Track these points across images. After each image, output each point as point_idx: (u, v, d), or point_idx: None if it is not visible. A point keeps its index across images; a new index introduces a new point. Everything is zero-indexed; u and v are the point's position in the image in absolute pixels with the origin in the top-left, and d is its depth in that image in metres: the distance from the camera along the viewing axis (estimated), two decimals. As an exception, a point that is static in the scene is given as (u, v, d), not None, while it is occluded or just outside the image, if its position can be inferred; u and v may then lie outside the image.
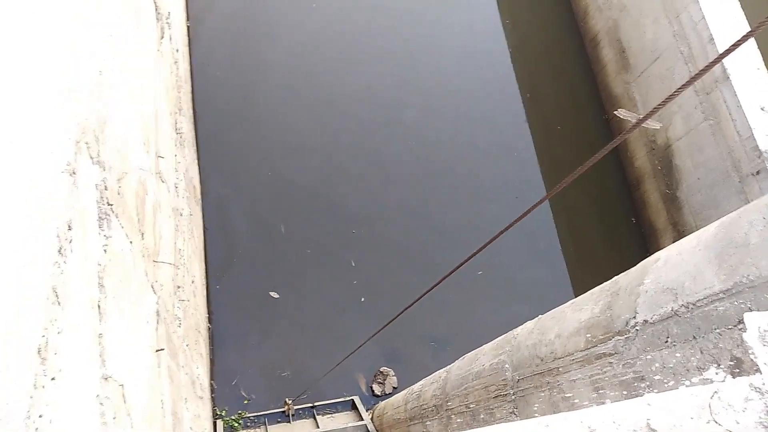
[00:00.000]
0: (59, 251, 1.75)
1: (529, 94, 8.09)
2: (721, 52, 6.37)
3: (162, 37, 3.97)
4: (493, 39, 8.46)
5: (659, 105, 2.23)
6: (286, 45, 7.78)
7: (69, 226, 1.85)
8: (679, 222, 6.98)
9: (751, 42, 6.54)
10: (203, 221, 6.46)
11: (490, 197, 7.38)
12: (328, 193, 7.05)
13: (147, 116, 3.21)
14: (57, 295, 1.71)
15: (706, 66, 2.22)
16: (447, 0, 8.62)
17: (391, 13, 8.29)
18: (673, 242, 7.18)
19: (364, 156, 7.37)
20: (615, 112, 7.40)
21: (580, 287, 6.98)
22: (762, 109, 6.28)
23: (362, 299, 6.45)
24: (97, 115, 2.21)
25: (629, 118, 7.32)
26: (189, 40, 7.39)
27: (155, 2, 3.62)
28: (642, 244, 7.48)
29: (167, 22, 4.30)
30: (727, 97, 6.33)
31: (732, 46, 2.27)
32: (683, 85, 2.21)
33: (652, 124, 7.20)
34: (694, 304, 2.56)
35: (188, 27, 7.46)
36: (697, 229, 6.89)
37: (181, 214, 4.49)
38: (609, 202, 7.66)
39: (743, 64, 6.49)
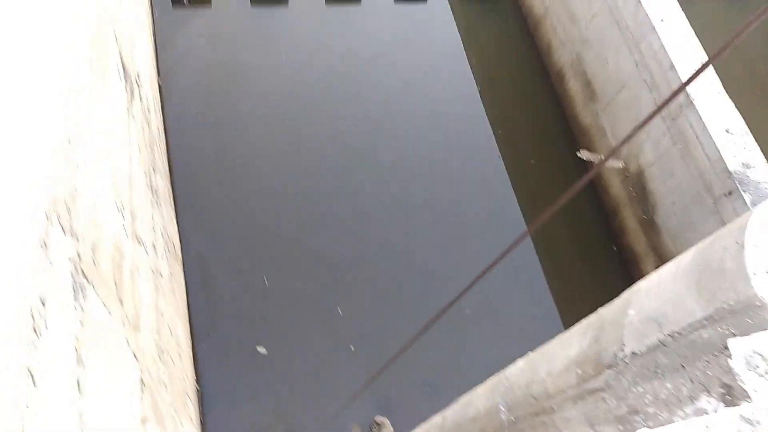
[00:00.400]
0: (33, 330, 1.71)
1: (500, 131, 8.22)
2: (681, 78, 6.57)
3: (132, 98, 3.99)
4: (461, 79, 8.64)
5: (619, 144, 2.28)
6: (259, 96, 7.86)
7: (43, 303, 1.82)
8: (658, 246, 7.05)
9: (711, 68, 6.74)
10: (184, 279, 6.38)
11: (470, 234, 7.41)
12: (309, 241, 7.03)
13: (120, 180, 3.19)
14: (32, 377, 1.67)
15: (667, 98, 2.28)
16: (414, 44, 8.81)
17: (359, 60, 8.45)
18: (655, 267, 7.27)
19: (343, 200, 7.38)
20: (578, 154, 7.54)
21: (568, 319, 6.98)
22: (727, 131, 6.44)
23: (351, 347, 6.38)
24: (68, 184, 2.19)
25: (592, 159, 7.47)
26: (161, 96, 7.43)
27: (123, 66, 3.65)
28: (625, 270, 7.53)
29: (137, 83, 4.32)
30: (693, 121, 6.48)
31: (693, 75, 2.34)
32: (643, 120, 2.26)
33: (613, 163, 7.37)
34: (679, 333, 2.56)
35: (159, 84, 7.51)
36: (677, 253, 7.00)
37: (161, 275, 4.43)
38: (588, 231, 7.73)
39: (705, 89, 6.67)
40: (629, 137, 2.29)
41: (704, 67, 2.03)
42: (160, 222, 5.00)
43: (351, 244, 7.08)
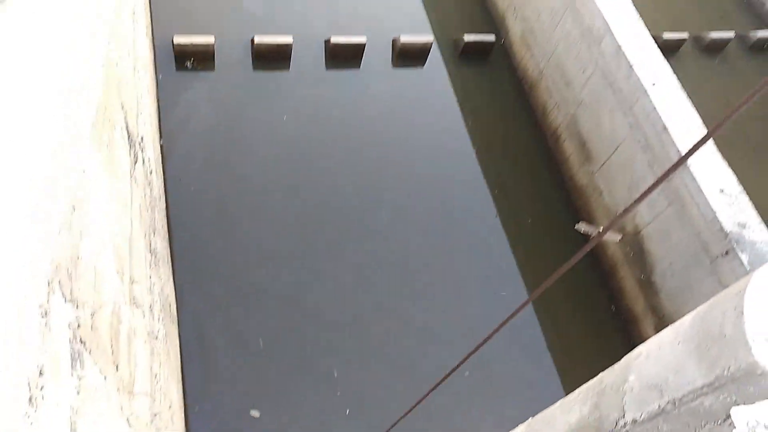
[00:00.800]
0: (30, 401, 1.70)
1: (497, 191, 8.31)
2: (674, 140, 6.65)
3: (135, 162, 4.05)
4: (458, 139, 8.79)
5: (616, 218, 2.31)
6: (258, 157, 7.97)
7: (41, 372, 1.81)
8: (657, 307, 7.02)
9: (702, 128, 6.89)
10: (179, 340, 6.31)
11: (468, 294, 7.39)
12: (306, 301, 6.99)
13: (121, 243, 3.22)
14: (26, 450, 1.64)
15: (666, 172, 2.32)
16: (411, 106, 9.01)
17: (358, 121, 8.61)
18: (654, 328, 7.20)
19: (341, 260, 7.38)
20: (575, 227, 7.65)
21: (568, 381, 6.88)
22: (722, 191, 6.51)
23: (347, 411, 6.26)
24: (71, 251, 2.21)
25: (589, 232, 7.57)
26: (162, 158, 7.53)
27: (128, 131, 3.72)
28: (624, 331, 7.48)
29: (140, 147, 4.40)
30: (687, 182, 6.57)
31: (692, 148, 2.39)
32: (641, 195, 2.31)
33: (611, 237, 7.46)
34: (680, 400, 2.54)
35: (161, 145, 7.62)
36: (675, 314, 6.96)
37: (156, 337, 4.40)
38: (586, 291, 7.71)
39: (699, 150, 6.78)
40: (626, 212, 2.32)
41: (704, 140, 2.09)
42: (157, 283, 5.00)
43: (348, 305, 7.04)
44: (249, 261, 7.13)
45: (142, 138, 4.42)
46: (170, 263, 6.59)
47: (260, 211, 7.53)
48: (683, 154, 6.60)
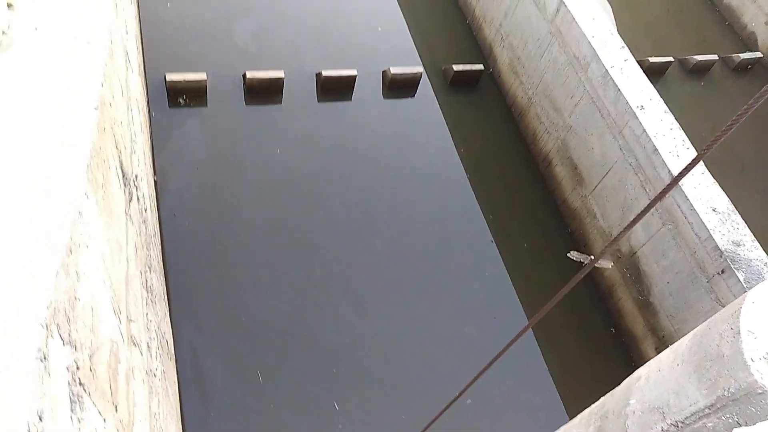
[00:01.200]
0: (29, 447, 1.68)
1: (491, 216, 8.35)
2: (665, 160, 6.72)
3: (130, 201, 4.06)
4: (451, 166, 8.86)
5: (608, 245, 2.34)
6: (252, 190, 8.00)
7: (40, 418, 1.79)
8: (656, 327, 7.02)
9: (692, 149, 6.98)
10: (177, 377, 6.25)
11: (467, 319, 7.37)
12: (304, 332, 6.96)
13: (118, 283, 3.21)
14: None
15: (659, 194, 2.35)
16: (403, 135, 9.09)
17: (351, 152, 8.67)
18: (655, 348, 7.18)
19: (337, 290, 7.37)
20: (568, 255, 7.74)
21: (570, 405, 6.84)
22: (714, 210, 6.57)
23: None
24: (68, 293, 2.21)
25: (582, 260, 7.65)
26: (156, 194, 7.55)
27: (122, 170, 3.75)
28: (625, 352, 7.46)
29: (135, 185, 4.42)
30: (680, 202, 6.63)
31: (683, 170, 2.42)
32: (634, 218, 2.33)
33: (604, 264, 7.52)
34: (682, 422, 2.53)
35: (155, 182, 7.65)
36: (675, 333, 6.94)
37: (155, 375, 4.36)
38: (585, 314, 7.71)
39: (689, 171, 6.85)
40: (617, 239, 2.35)
41: (694, 162, 2.12)
42: (154, 320, 4.97)
43: (346, 334, 7.01)
44: (245, 294, 7.11)
45: (136, 176, 4.44)
46: (166, 299, 6.56)
47: (255, 243, 7.53)
48: (675, 175, 6.67)
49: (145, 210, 5.03)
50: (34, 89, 3.13)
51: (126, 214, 3.74)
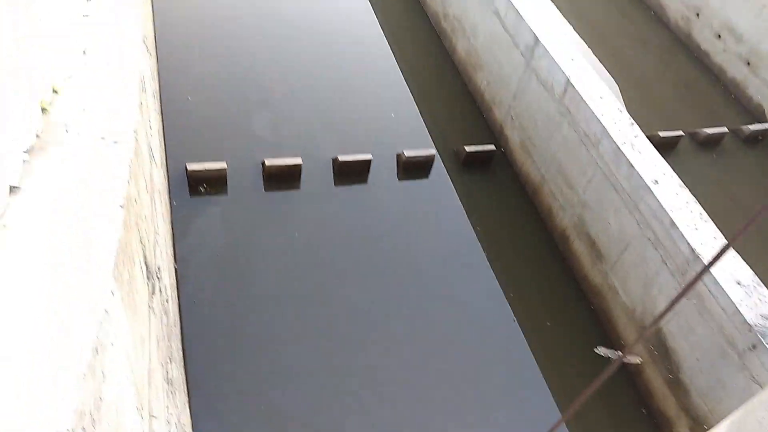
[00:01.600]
0: None
1: (512, 294, 8.27)
2: (684, 234, 6.64)
3: (153, 293, 4.10)
4: (468, 246, 8.87)
5: (636, 339, 2.31)
6: (271, 275, 8.03)
7: None
8: (689, 407, 6.76)
9: (711, 223, 6.96)
10: (197, 471, 6.08)
11: (494, 406, 7.16)
12: (325, 422, 6.78)
13: (140, 378, 3.20)
14: None
15: (688, 285, 2.34)
16: (418, 214, 9.18)
17: (368, 234, 8.74)
18: (689, 429, 6.86)
19: (358, 376, 7.23)
20: (595, 350, 7.67)
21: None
22: (738, 283, 6.47)
23: None
24: (94, 396, 2.20)
25: (609, 355, 7.59)
26: (177, 282, 7.60)
27: (146, 263, 3.80)
28: (659, 435, 7.15)
29: (158, 277, 4.47)
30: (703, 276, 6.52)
31: (713, 259, 2.40)
32: (660, 313, 2.32)
33: (632, 359, 7.41)
34: None
35: (176, 269, 7.72)
36: (710, 413, 6.66)
37: (174, 472, 4.25)
38: (614, 394, 7.46)
39: (709, 242, 6.81)
40: (647, 331, 2.33)
41: (724, 250, 2.13)
42: (174, 413, 4.89)
43: (368, 425, 6.81)
44: (265, 382, 7.00)
45: (158, 268, 4.50)
46: (186, 389, 6.47)
47: (274, 329, 7.48)
48: (695, 249, 6.60)
49: (167, 301, 5.06)
50: (65, 188, 3.24)
51: (149, 307, 3.77)
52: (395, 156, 9.78)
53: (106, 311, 2.49)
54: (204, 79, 10.44)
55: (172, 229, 8.07)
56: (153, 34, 10.11)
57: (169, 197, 8.46)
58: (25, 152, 3.53)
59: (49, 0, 5.21)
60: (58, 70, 4.35)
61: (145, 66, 5.78)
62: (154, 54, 9.45)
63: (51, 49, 4.55)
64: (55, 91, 4.27)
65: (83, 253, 2.82)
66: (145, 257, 3.68)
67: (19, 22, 3.68)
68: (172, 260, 7.50)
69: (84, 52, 4.83)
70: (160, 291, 4.58)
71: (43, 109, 4.02)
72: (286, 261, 8.20)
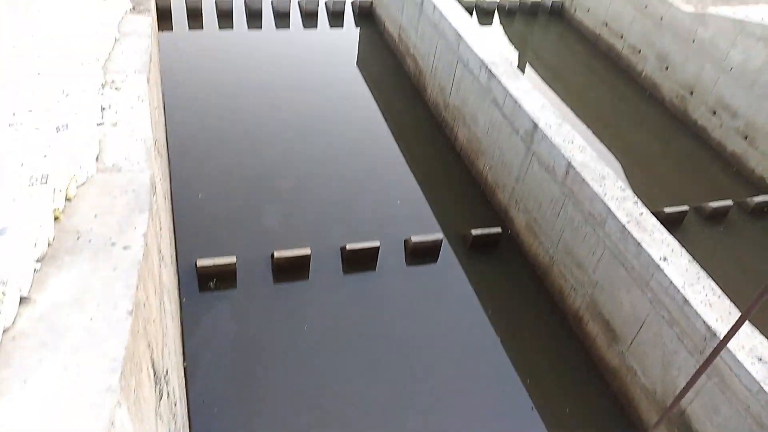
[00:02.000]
0: None
1: (528, 379, 8.08)
2: (698, 310, 6.54)
3: (161, 398, 4.05)
4: (480, 331, 8.76)
5: (659, 420, 2.26)
6: (282, 369, 7.91)
7: None
8: (723, 495, 6.42)
9: (726, 299, 6.86)
10: None
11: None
12: None
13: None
14: None
15: (707, 360, 2.31)
16: (428, 299, 9.12)
17: (378, 321, 8.66)
18: None
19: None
20: None
21: None
22: (760, 359, 6.30)
23: None
24: None
25: None
26: (186, 380, 7.49)
27: (154, 368, 3.78)
28: None
29: (165, 380, 4.43)
30: (722, 353, 6.38)
31: (729, 332, 2.39)
32: (679, 394, 2.28)
33: None
34: None
35: (185, 368, 7.63)
36: (746, 502, 6.29)
37: None
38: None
39: (724, 318, 6.70)
40: (668, 412, 2.28)
41: (739, 324, 2.12)
42: None
43: None
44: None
45: (166, 371, 4.47)
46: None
47: (285, 427, 7.29)
48: (711, 326, 6.49)
49: (175, 404, 4.98)
50: (75, 298, 3.28)
51: (156, 413, 3.72)
52: (403, 242, 9.85)
53: (113, 423, 2.46)
54: (214, 176, 10.72)
55: (182, 326, 8.05)
56: (165, 135, 10.48)
57: (179, 294, 8.48)
58: (36, 261, 3.61)
59: (64, 107, 5.48)
60: (72, 177, 4.50)
61: (156, 168, 5.97)
62: (165, 155, 9.76)
63: (66, 156, 4.74)
64: (68, 199, 4.41)
65: (91, 362, 2.82)
66: (152, 362, 3.67)
67: (42, 132, 3.86)
68: (181, 359, 7.43)
69: (97, 158, 5.02)
70: (168, 395, 4.52)
71: (56, 218, 4.14)
72: (296, 356, 8.10)
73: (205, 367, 7.79)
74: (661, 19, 14.63)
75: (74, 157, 4.78)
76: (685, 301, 6.86)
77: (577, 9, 18.06)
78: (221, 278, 8.82)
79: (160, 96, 10.54)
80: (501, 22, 18.41)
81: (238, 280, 8.88)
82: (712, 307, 6.78)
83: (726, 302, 6.90)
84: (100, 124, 5.55)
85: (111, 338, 2.94)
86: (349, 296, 9.07)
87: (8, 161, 4.53)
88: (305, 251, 9.17)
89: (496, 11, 18.58)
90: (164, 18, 14.87)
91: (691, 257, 7.39)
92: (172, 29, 15.09)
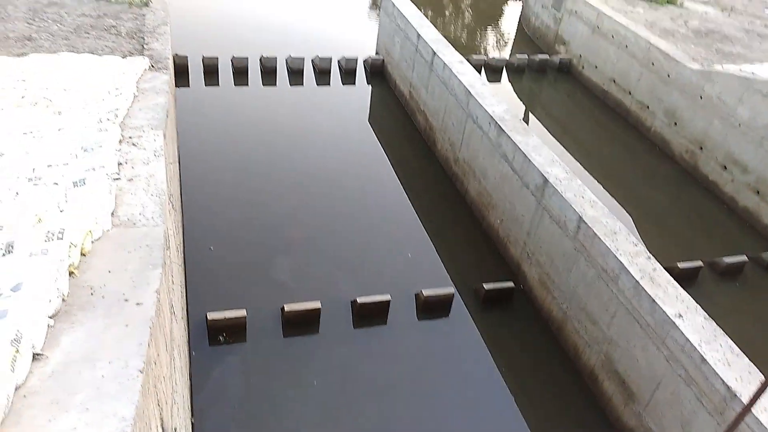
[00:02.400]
0: None
1: (543, 439, 7.88)
2: (716, 370, 6.42)
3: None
4: (494, 386, 8.60)
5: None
6: (290, 423, 7.76)
7: None
8: None
9: (742, 355, 6.72)
10: None
11: None
12: None
13: None
14: None
15: (731, 425, 2.25)
16: (440, 354, 8.99)
17: (389, 376, 8.53)
18: None
19: None
20: None
21: None
22: (783, 422, 6.11)
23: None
24: None
25: None
26: (194, 437, 7.37)
27: (163, 428, 3.73)
28: None
29: (174, 438, 4.35)
30: (747, 420, 6.19)
31: (753, 397, 2.33)
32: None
33: None
34: None
35: (192, 423, 7.50)
36: None
37: None
38: None
39: (744, 377, 6.54)
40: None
41: (762, 389, 2.07)
42: None
43: None
44: None
45: (175, 429, 4.40)
46: None
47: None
48: (732, 387, 6.33)
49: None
50: (87, 356, 3.27)
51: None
52: (414, 295, 9.79)
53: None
54: (226, 229, 10.79)
55: (190, 381, 7.96)
56: (179, 189, 10.62)
57: (189, 348, 8.42)
58: (50, 317, 3.62)
59: (82, 163, 5.58)
60: (87, 232, 4.55)
61: (170, 222, 6.04)
62: (179, 208, 9.87)
63: (82, 211, 4.81)
64: (83, 254, 4.45)
65: (100, 422, 2.79)
66: (161, 420, 3.62)
67: (60, 188, 3.92)
68: (189, 414, 7.32)
69: (113, 213, 5.08)
70: (176, 453, 4.44)
71: (71, 273, 4.17)
72: (305, 411, 7.96)
73: (212, 423, 7.65)
74: (668, 75, 14.84)
75: (90, 212, 4.85)
76: (703, 359, 6.71)
77: (585, 66, 18.39)
78: (231, 332, 8.76)
79: (176, 150, 10.74)
80: (510, 80, 18.75)
81: (247, 334, 8.81)
82: (731, 366, 6.63)
83: (745, 360, 6.75)
84: (116, 179, 5.65)
85: (121, 397, 2.91)
86: (360, 351, 8.96)
87: (26, 216, 4.60)
88: (315, 305, 9.12)
89: (504, 69, 18.94)
90: (181, 75, 15.27)
91: (706, 314, 7.27)
92: (189, 85, 15.47)
